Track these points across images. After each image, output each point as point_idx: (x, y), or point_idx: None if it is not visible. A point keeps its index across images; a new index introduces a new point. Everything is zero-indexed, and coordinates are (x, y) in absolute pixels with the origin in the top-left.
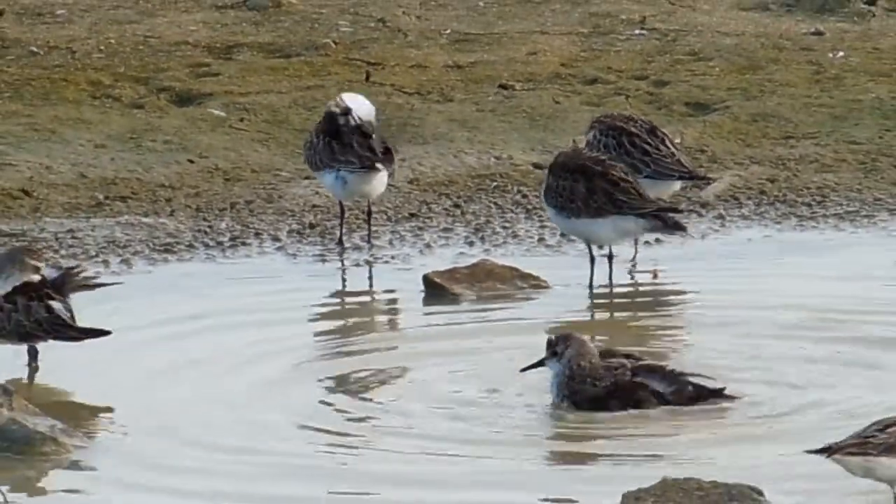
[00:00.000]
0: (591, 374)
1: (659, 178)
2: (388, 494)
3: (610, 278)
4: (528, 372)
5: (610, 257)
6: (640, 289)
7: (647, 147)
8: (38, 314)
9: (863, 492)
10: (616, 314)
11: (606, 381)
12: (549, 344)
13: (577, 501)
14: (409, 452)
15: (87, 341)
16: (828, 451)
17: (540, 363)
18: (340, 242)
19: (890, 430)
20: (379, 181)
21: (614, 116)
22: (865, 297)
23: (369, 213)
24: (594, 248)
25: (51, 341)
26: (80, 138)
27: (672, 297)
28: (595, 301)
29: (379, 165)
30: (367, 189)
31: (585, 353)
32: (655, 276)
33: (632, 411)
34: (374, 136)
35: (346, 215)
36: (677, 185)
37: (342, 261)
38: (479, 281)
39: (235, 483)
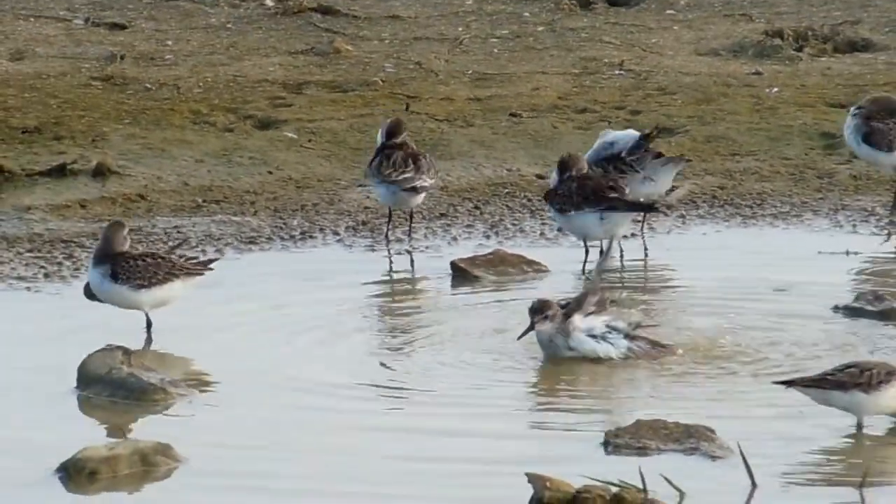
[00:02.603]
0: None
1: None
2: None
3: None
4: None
5: (601, 250)
6: (620, 271)
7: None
8: (179, 261)
9: (789, 428)
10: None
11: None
12: (536, 311)
13: (569, 434)
14: (432, 386)
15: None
16: (791, 383)
17: (531, 328)
18: (387, 237)
19: (848, 370)
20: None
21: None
22: (794, 277)
23: (411, 215)
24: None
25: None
26: (183, 155)
27: (644, 276)
28: (585, 281)
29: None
30: (413, 201)
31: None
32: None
33: (610, 365)
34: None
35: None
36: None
37: (388, 250)
38: (495, 266)
39: (295, 416)
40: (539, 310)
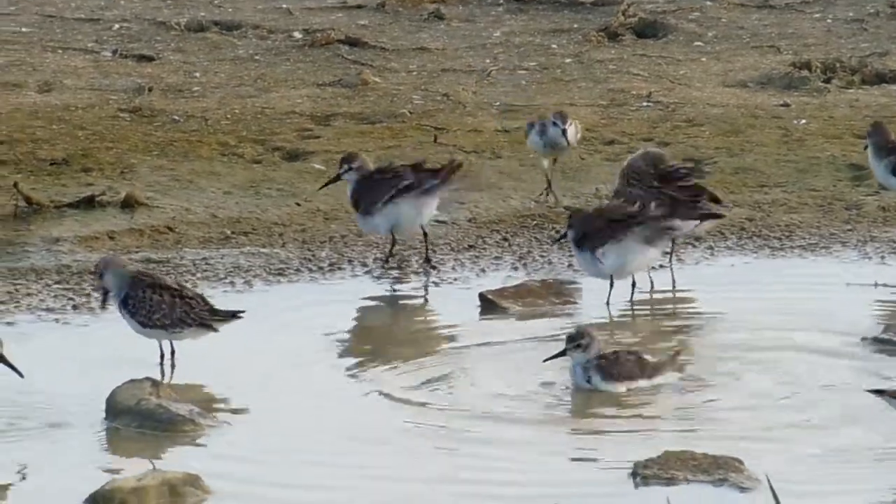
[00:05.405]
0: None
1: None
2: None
3: (632, 297)
4: (552, 362)
5: (633, 283)
6: (649, 305)
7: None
8: (197, 305)
9: (819, 459)
10: (629, 322)
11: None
12: (572, 338)
13: (598, 466)
14: (463, 418)
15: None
16: (882, 392)
17: (561, 353)
18: (387, 261)
19: None
20: (427, 208)
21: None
22: (823, 310)
23: (426, 234)
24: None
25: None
26: (212, 187)
27: (673, 310)
28: (612, 313)
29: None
30: (426, 211)
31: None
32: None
33: (639, 397)
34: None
35: (430, 244)
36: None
37: (416, 282)
38: (523, 297)
39: (323, 448)
40: (573, 338)
